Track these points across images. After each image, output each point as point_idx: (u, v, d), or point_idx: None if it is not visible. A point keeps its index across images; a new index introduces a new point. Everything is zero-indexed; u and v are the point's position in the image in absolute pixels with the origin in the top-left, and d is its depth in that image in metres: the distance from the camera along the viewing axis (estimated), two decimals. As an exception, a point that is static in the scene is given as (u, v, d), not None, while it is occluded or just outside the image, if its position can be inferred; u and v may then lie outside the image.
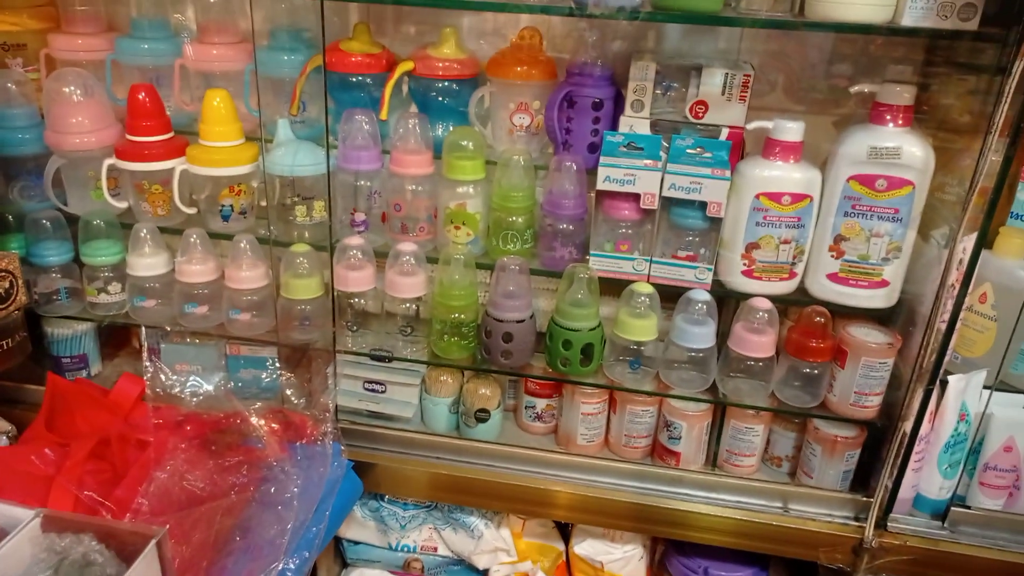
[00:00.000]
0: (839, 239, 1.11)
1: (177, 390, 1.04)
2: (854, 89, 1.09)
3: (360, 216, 1.24)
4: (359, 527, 1.32)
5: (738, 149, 1.17)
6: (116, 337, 1.46)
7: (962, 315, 1.07)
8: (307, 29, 1.25)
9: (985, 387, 1.13)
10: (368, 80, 1.23)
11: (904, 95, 1.04)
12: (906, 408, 1.09)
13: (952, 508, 1.17)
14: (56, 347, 1.32)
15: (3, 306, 1.11)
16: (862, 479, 1.21)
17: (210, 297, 1.25)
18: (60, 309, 1.28)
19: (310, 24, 1.24)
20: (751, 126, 1.14)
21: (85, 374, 1.35)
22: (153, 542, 0.77)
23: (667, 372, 1.19)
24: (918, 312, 1.10)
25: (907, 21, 0.94)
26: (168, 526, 0.80)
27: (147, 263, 1.24)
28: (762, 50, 1.24)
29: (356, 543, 1.34)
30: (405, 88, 1.27)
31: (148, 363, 1.07)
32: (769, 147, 1.10)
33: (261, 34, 1.22)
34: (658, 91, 1.18)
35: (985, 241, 1.02)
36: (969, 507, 1.18)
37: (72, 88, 1.21)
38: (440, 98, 1.24)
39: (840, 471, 1.20)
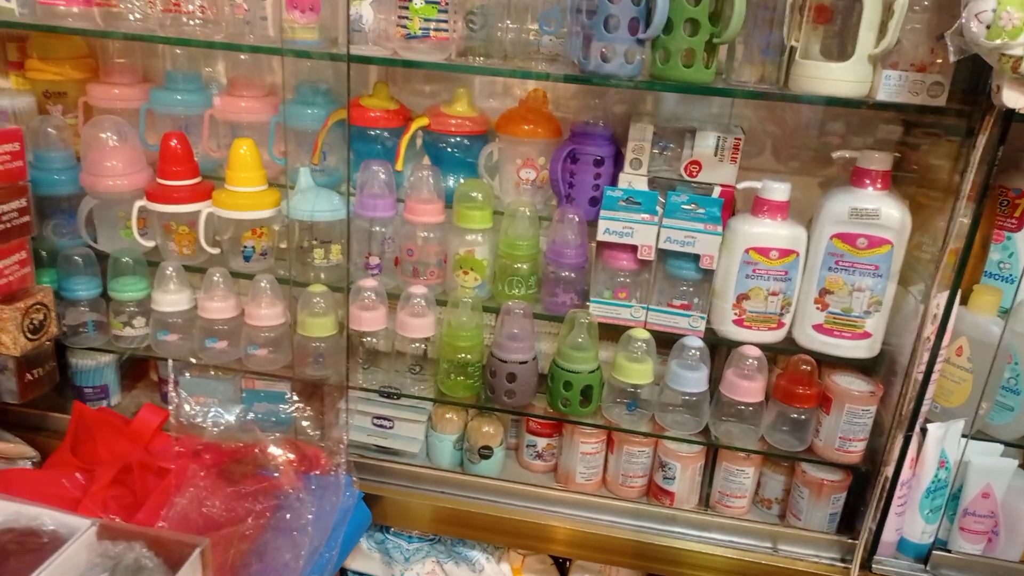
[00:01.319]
0: (824, 292, 1.18)
1: (199, 420, 1.10)
2: (836, 155, 1.17)
3: (374, 260, 1.32)
4: (365, 558, 1.36)
5: (730, 206, 1.25)
6: (135, 369, 1.52)
7: (940, 367, 1.14)
8: (329, 85, 1.34)
9: (963, 436, 1.19)
10: (385, 134, 1.32)
11: (882, 161, 1.13)
12: (888, 454, 1.15)
13: (934, 552, 1.22)
14: (79, 377, 1.39)
15: (36, 337, 1.18)
16: (848, 522, 1.26)
17: (229, 333, 1.31)
18: (86, 341, 1.35)
19: (332, 81, 1.34)
20: (741, 186, 1.22)
21: (106, 403, 1.41)
22: (198, 551, 0.83)
23: (662, 414, 1.25)
24: (898, 362, 1.17)
25: (882, 96, 1.03)
26: (209, 539, 0.85)
27: (171, 299, 1.31)
28: (752, 115, 1.33)
29: (361, 574, 1.38)
30: (419, 141, 1.36)
31: (173, 394, 1.13)
32: (758, 205, 1.18)
33: (286, 88, 1.31)
34: (655, 150, 1.26)
35: (958, 298, 1.10)
36: (950, 551, 1.23)
37: (108, 134, 1.29)
38: (452, 152, 1.33)
39: (827, 513, 1.26)
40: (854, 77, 1.03)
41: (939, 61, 1.01)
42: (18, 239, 1.17)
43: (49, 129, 1.31)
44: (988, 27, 0.87)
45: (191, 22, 1.16)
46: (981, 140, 0.98)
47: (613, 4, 1.05)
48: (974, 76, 0.99)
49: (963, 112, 1.02)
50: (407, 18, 1.11)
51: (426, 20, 1.11)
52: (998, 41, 0.87)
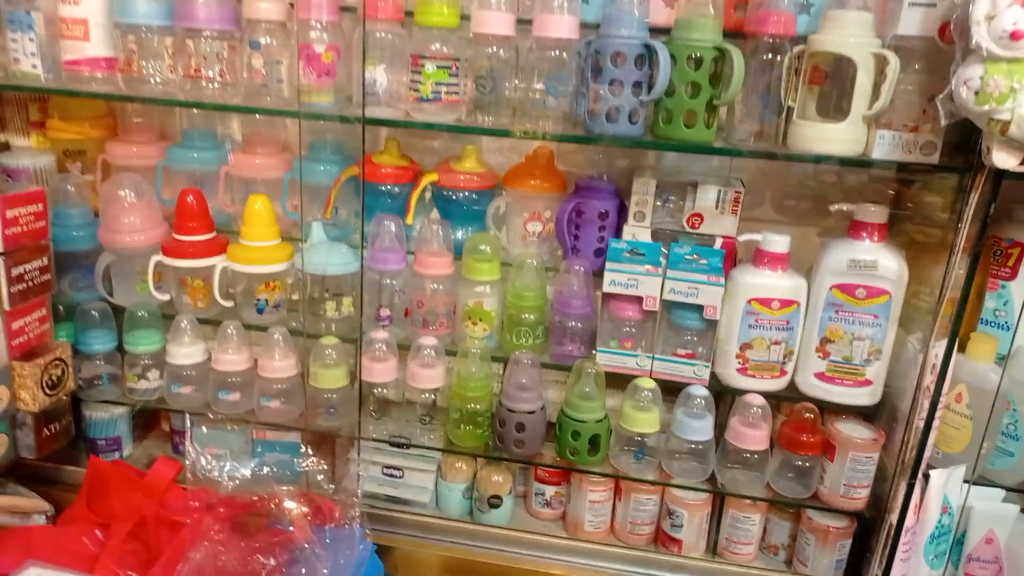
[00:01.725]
0: (825, 341, 1.21)
1: (215, 474, 1.11)
2: (834, 208, 1.21)
3: (385, 311, 1.35)
4: (373, 610, 1.37)
5: (731, 257, 1.29)
6: (146, 420, 1.54)
7: (940, 413, 1.17)
8: (342, 142, 1.38)
9: (965, 481, 1.21)
10: (396, 189, 1.36)
11: (878, 215, 1.17)
12: (892, 500, 1.17)
13: (940, 598, 1.23)
14: (92, 429, 1.40)
15: (54, 392, 1.20)
16: (854, 568, 1.28)
17: (243, 385, 1.34)
18: (101, 394, 1.37)
19: (345, 138, 1.38)
20: (742, 238, 1.26)
21: (118, 455, 1.42)
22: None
23: (669, 462, 1.27)
24: (899, 409, 1.20)
25: (876, 155, 1.08)
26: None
27: (186, 352, 1.33)
28: (752, 168, 1.37)
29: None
30: (429, 195, 1.40)
31: (189, 448, 1.15)
32: (759, 257, 1.22)
33: (300, 145, 1.36)
34: (658, 203, 1.30)
35: (957, 345, 1.13)
36: (956, 597, 1.24)
37: (126, 191, 1.32)
38: (461, 205, 1.37)
39: (833, 560, 1.27)
40: (849, 137, 1.07)
41: (931, 121, 1.05)
42: (39, 297, 1.20)
43: (69, 187, 1.35)
44: (976, 93, 0.91)
45: (210, 86, 1.21)
46: (973, 198, 1.02)
47: (617, 68, 1.10)
48: (965, 135, 1.03)
49: (956, 169, 1.06)
50: (419, 82, 1.16)
51: (437, 84, 1.16)
52: (986, 107, 0.91)
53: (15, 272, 1.14)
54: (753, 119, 1.16)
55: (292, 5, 1.19)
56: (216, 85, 1.21)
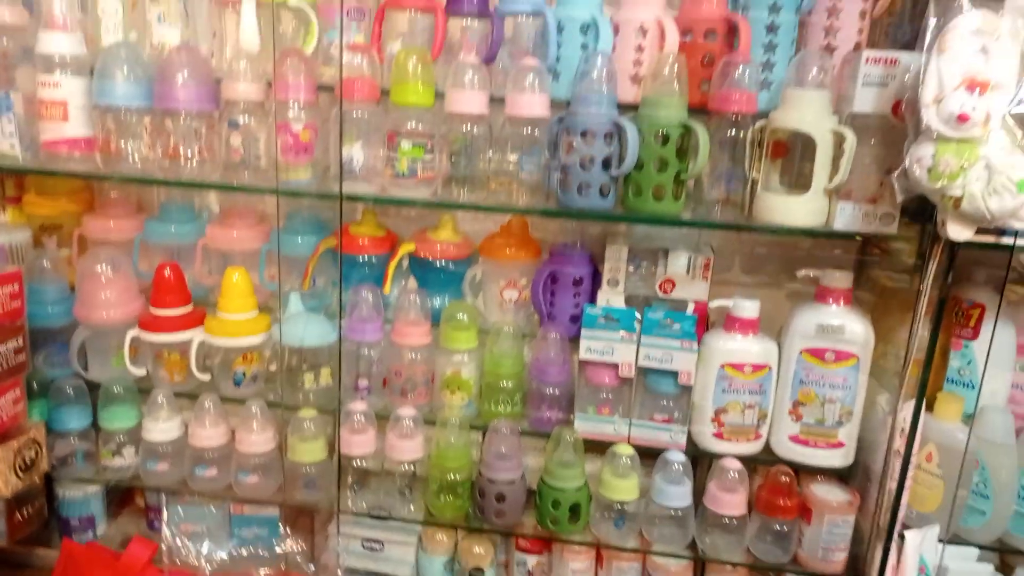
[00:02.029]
0: (797, 404, 1.24)
1: (192, 558, 1.10)
2: (800, 274, 1.24)
3: (363, 382, 1.35)
4: None
5: (703, 321, 1.31)
6: (120, 496, 1.51)
7: (912, 473, 1.19)
8: (319, 214, 1.40)
9: (939, 540, 1.23)
10: (374, 259, 1.37)
11: (843, 280, 1.21)
12: (869, 563, 1.19)
13: (922, 658, 1.23)
14: (65, 509, 1.38)
15: (27, 474, 1.18)
16: (837, 630, 1.28)
17: (219, 460, 1.32)
18: (75, 473, 1.35)
19: (322, 209, 1.40)
20: (713, 304, 1.28)
21: (92, 535, 1.39)
22: None
23: (649, 528, 1.28)
24: (872, 470, 1.22)
25: (838, 225, 1.12)
26: None
27: (162, 428, 1.32)
28: (721, 234, 1.41)
29: None
30: (406, 263, 1.42)
31: (166, 531, 1.13)
32: (730, 322, 1.25)
33: (278, 218, 1.37)
34: (631, 268, 1.33)
35: (925, 405, 1.16)
36: (937, 657, 1.24)
37: (103, 266, 1.32)
38: (437, 274, 1.39)
39: (815, 623, 1.27)
40: (811, 209, 1.11)
41: (889, 193, 1.10)
42: (14, 378, 1.19)
43: (44, 263, 1.35)
44: (929, 171, 0.96)
45: (188, 164, 1.22)
46: (932, 265, 1.06)
47: (587, 145, 1.14)
48: (922, 206, 1.08)
49: (914, 239, 1.11)
50: (395, 158, 1.19)
51: (413, 160, 1.19)
52: (939, 184, 0.95)
53: (-11, 354, 1.14)
54: (719, 190, 1.20)
55: (270, 85, 1.22)
56: (194, 163, 1.23)
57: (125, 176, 1.24)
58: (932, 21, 0.95)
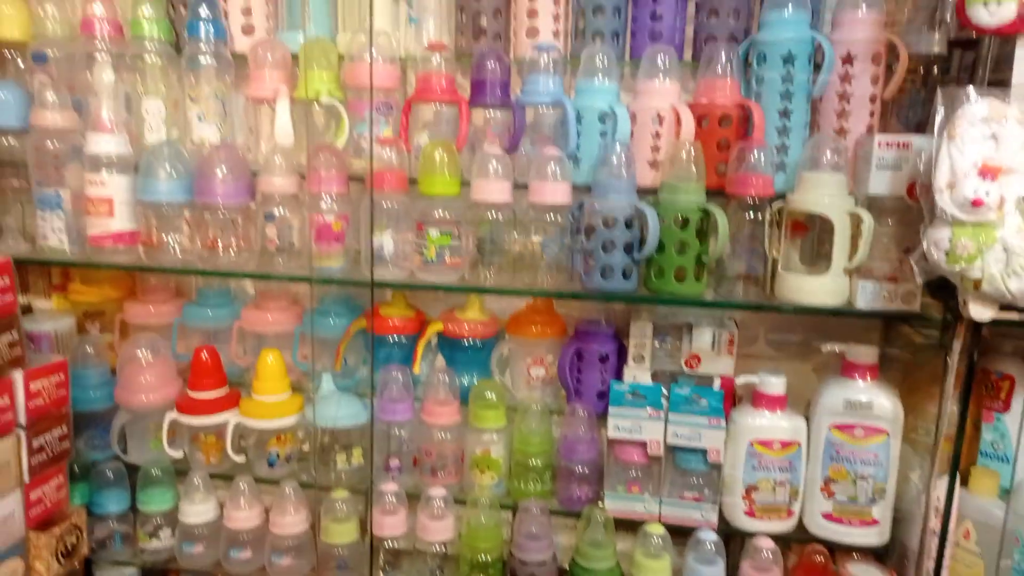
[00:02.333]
0: (828, 481, 1.23)
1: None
2: (825, 348, 1.25)
3: (394, 462, 1.37)
4: None
5: (730, 396, 1.32)
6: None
7: (950, 552, 1.17)
8: (351, 297, 1.45)
9: (982, 620, 1.20)
10: (403, 339, 1.41)
11: (868, 355, 1.21)
12: (910, 645, 1.16)
13: None
14: (102, 592, 1.40)
15: (68, 559, 1.21)
16: None
17: (253, 541, 1.34)
18: (113, 556, 1.37)
19: (354, 293, 1.44)
20: (740, 380, 1.29)
21: (127, 617, 1.41)
22: None
23: (683, 610, 1.26)
24: (909, 548, 1.20)
25: (860, 304, 1.13)
26: None
27: (197, 510, 1.34)
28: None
29: None
30: (434, 341, 1.45)
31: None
32: (757, 398, 1.25)
33: (309, 298, 1.42)
34: (656, 344, 1.35)
35: (960, 479, 1.14)
36: None
37: (143, 351, 1.37)
38: (466, 353, 1.41)
39: None
40: (832, 289, 1.13)
41: (910, 271, 1.11)
42: (58, 465, 1.23)
43: (88, 348, 1.40)
44: (947, 254, 0.98)
45: (226, 254, 1.28)
46: (957, 344, 1.07)
47: (609, 230, 1.17)
48: (944, 282, 1.09)
49: (937, 315, 1.11)
50: (424, 246, 1.23)
51: (441, 247, 1.23)
52: (957, 267, 0.97)
53: (36, 443, 1.17)
54: (741, 270, 1.22)
55: (303, 177, 1.28)
56: (232, 253, 1.28)
57: (167, 268, 1.30)
58: (940, 110, 0.98)
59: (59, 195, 1.29)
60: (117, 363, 1.41)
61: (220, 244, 1.28)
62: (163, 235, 1.29)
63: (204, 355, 1.36)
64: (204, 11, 1.28)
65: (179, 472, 1.40)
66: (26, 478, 1.16)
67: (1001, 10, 0.95)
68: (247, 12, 1.33)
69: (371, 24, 1.25)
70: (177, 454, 1.39)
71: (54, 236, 1.30)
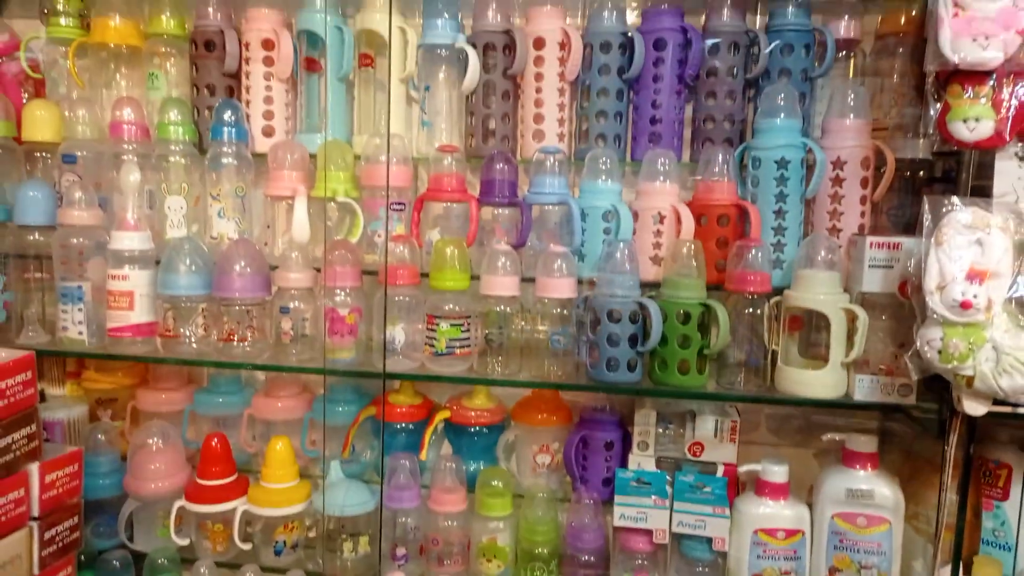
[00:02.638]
0: (833, 570, 1.24)
1: None
2: (825, 438, 1.28)
3: (401, 550, 1.37)
4: None
5: (734, 483, 1.34)
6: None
7: (960, 644, 1.18)
8: (360, 384, 1.48)
9: None
10: (411, 426, 1.43)
11: (868, 444, 1.24)
12: None
13: None
14: None
15: (74, 656, 1.20)
16: None
17: (260, 634, 1.33)
18: (117, 648, 1.36)
19: (363, 381, 1.47)
20: (743, 469, 1.31)
21: None
22: None
23: None
24: (918, 640, 1.21)
25: (858, 397, 1.17)
26: None
27: (204, 602, 1.34)
28: (745, 395, 1.46)
29: None
30: (441, 427, 1.47)
31: None
32: (760, 487, 1.27)
33: (320, 385, 1.45)
34: (660, 430, 1.38)
35: (963, 569, 1.16)
36: None
37: (154, 439, 1.39)
38: (472, 439, 1.44)
39: None
40: (831, 382, 1.17)
41: (905, 365, 1.15)
42: (68, 555, 1.23)
43: (99, 436, 1.42)
44: (940, 352, 1.02)
45: (241, 346, 1.32)
46: (953, 437, 1.10)
47: (614, 324, 1.21)
48: (939, 376, 1.13)
49: (933, 407, 1.15)
50: (434, 338, 1.27)
51: (451, 340, 1.27)
52: (950, 365, 1.01)
53: (47, 535, 1.18)
54: (742, 359, 1.26)
55: (319, 270, 1.33)
56: (247, 346, 1.32)
57: (183, 359, 1.33)
58: (927, 216, 1.04)
59: (81, 288, 1.33)
60: (128, 451, 1.42)
61: (236, 336, 1.31)
62: (180, 327, 1.33)
63: (215, 442, 1.38)
64: (228, 115, 1.35)
65: (185, 560, 1.40)
66: (36, 571, 1.17)
67: (980, 127, 1.02)
68: (268, 115, 1.41)
69: (387, 129, 1.32)
70: (184, 541, 1.40)
71: (74, 328, 1.33)
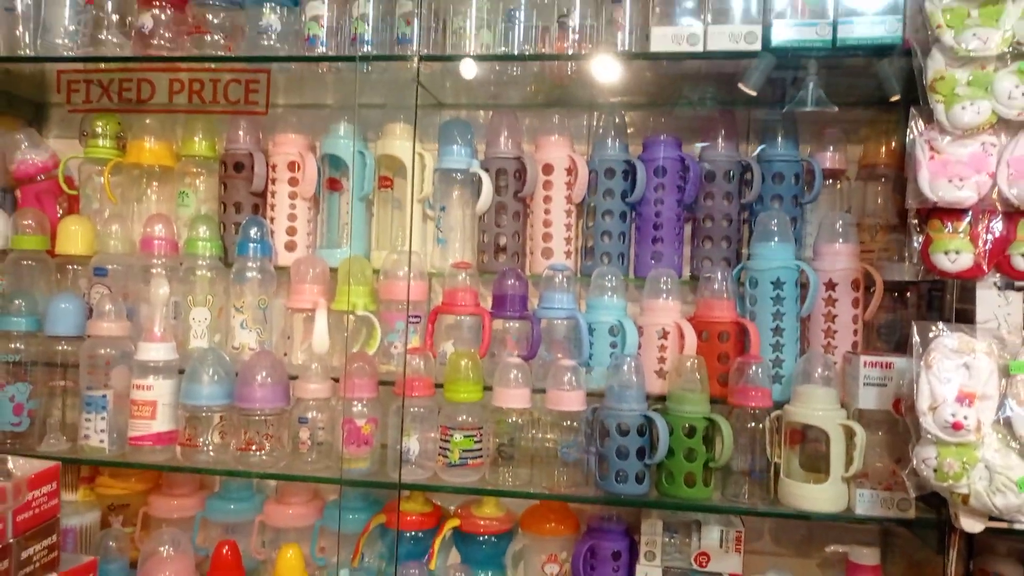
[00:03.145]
0: None
1: None
2: (829, 549, 1.31)
3: (411, 663, 1.37)
4: None
5: (741, 595, 1.36)
6: None
7: None
8: (371, 491, 1.50)
9: None
10: (420, 534, 1.45)
11: (871, 557, 1.27)
12: None
13: None
14: None
15: None
16: None
17: None
18: None
19: (372, 488, 1.50)
20: (749, 584, 1.34)
21: None
22: None
23: None
24: None
25: (859, 511, 1.21)
26: None
27: None
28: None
29: None
30: (450, 534, 1.49)
31: None
32: (769, 603, 1.30)
33: (331, 491, 1.47)
34: (666, 539, 1.40)
35: None
36: None
37: (165, 548, 1.40)
38: (480, 547, 1.45)
39: None
40: (832, 496, 1.21)
41: (903, 479, 1.20)
42: (77, 671, 1.22)
43: (110, 542, 1.43)
44: (935, 471, 1.07)
45: (258, 455, 1.35)
46: (953, 552, 1.14)
47: (623, 437, 1.26)
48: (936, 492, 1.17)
49: (932, 520, 1.19)
50: (448, 449, 1.31)
51: (464, 451, 1.31)
52: (946, 484, 1.06)
53: (59, 650, 1.18)
54: (745, 473, 1.30)
55: (336, 380, 1.38)
56: (264, 455, 1.35)
57: (201, 468, 1.36)
58: (916, 339, 1.11)
59: (105, 398, 1.37)
60: (139, 559, 1.43)
61: (254, 445, 1.35)
62: (200, 436, 1.36)
63: (225, 550, 1.39)
64: (254, 232, 1.43)
65: (190, 674, 1.38)
66: None
67: (960, 258, 1.11)
68: (291, 231, 1.49)
69: (410, 248, 1.40)
70: (191, 654, 1.39)
71: (95, 436, 1.37)
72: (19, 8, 1.45)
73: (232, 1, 1.40)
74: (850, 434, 1.20)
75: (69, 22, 1.44)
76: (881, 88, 1.33)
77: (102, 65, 1.46)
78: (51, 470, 1.18)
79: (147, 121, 1.52)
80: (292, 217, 1.49)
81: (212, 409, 1.36)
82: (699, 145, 1.46)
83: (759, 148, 1.44)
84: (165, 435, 1.37)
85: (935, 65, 1.12)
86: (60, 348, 1.42)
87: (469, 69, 1.38)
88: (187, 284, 1.45)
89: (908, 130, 1.14)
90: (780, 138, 1.41)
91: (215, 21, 1.40)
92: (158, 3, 1.39)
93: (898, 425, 1.20)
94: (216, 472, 1.41)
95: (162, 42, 1.40)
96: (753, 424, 1.28)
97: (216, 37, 1.40)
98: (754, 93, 1.32)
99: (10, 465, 1.17)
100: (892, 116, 1.38)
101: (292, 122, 1.52)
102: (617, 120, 1.47)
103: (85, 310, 1.43)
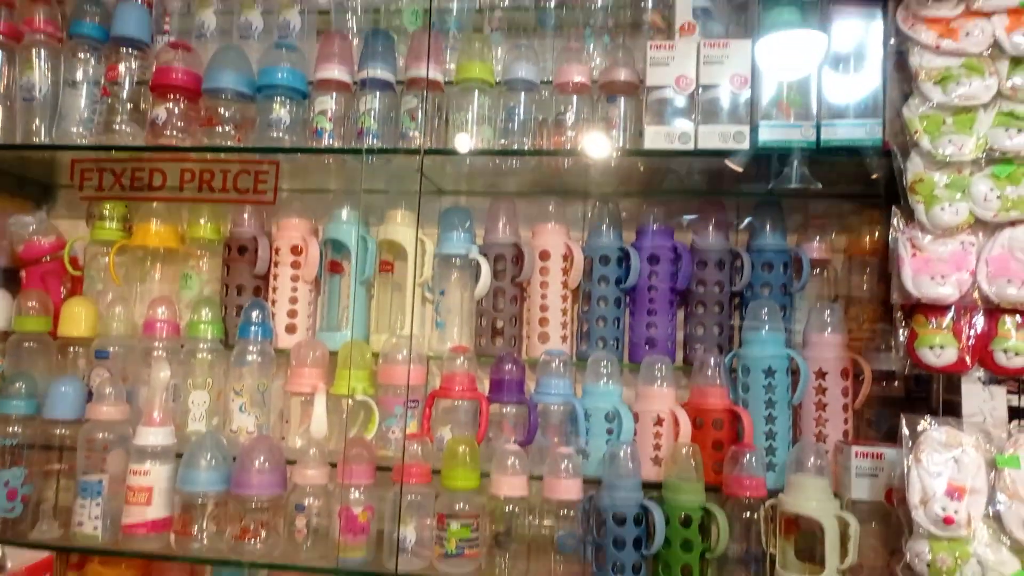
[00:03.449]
0: None
1: None
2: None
3: None
4: None
5: None
6: None
7: None
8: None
9: None
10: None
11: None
12: None
13: None
14: None
15: None
16: None
17: None
18: None
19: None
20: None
21: None
22: None
23: None
24: None
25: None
26: None
27: None
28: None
29: None
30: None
31: None
32: None
33: None
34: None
35: None
36: None
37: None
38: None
39: None
40: (829, 589, 1.21)
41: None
42: None
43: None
44: (928, 566, 1.08)
45: (252, 543, 1.34)
46: (951, 647, 1.14)
47: (619, 526, 1.26)
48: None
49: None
50: (444, 538, 1.31)
51: (461, 540, 1.30)
52: (939, 582, 1.07)
53: None
54: (740, 560, 1.30)
55: (334, 465, 1.38)
56: (259, 544, 1.34)
57: (194, 558, 1.35)
58: (905, 431, 1.13)
59: (100, 483, 1.37)
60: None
61: (248, 533, 1.34)
62: (195, 523, 1.35)
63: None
64: (256, 315, 1.45)
65: None
66: None
67: (945, 353, 1.14)
68: (292, 314, 1.52)
69: (411, 333, 1.42)
70: None
71: (89, 523, 1.35)
72: (38, 95, 1.50)
73: (243, 95, 1.46)
74: (844, 525, 1.21)
75: (85, 111, 1.49)
76: (864, 183, 1.39)
77: (114, 153, 1.51)
78: (44, 562, 1.19)
79: (154, 205, 1.56)
80: (293, 300, 1.52)
81: (208, 496, 1.35)
82: (691, 236, 1.51)
83: (748, 239, 1.49)
84: (160, 522, 1.35)
85: (914, 168, 1.18)
86: (58, 432, 1.42)
87: (469, 161, 1.44)
88: (187, 367, 1.46)
89: (891, 228, 1.20)
90: (768, 228, 1.46)
91: (226, 114, 1.45)
92: (172, 96, 1.45)
93: (891, 516, 1.21)
94: (211, 562, 1.39)
95: (174, 132, 1.45)
96: (748, 514, 1.29)
97: (227, 128, 1.45)
98: (740, 169, 1.37)
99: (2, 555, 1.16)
100: (875, 210, 1.44)
101: (296, 207, 1.56)
102: (612, 208, 1.52)
103: (85, 393, 1.43)
